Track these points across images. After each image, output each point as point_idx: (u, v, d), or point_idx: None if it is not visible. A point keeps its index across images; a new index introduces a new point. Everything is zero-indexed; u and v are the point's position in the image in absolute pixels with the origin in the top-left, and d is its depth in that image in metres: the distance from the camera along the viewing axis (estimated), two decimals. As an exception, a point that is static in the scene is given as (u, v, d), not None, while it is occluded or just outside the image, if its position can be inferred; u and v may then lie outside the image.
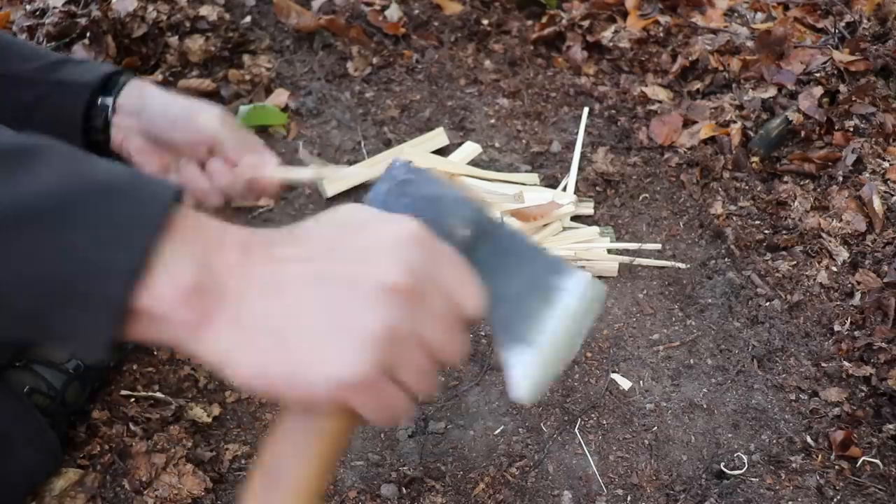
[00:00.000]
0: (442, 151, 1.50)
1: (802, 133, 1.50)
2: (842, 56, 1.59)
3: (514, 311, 0.48)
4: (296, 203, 1.39)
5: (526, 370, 0.47)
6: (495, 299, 0.47)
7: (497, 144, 1.54)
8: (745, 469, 1.05)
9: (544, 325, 0.47)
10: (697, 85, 1.65)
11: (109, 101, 0.81)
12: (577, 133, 1.54)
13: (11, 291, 0.40)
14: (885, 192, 1.39)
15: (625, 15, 1.77)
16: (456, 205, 0.49)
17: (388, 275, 0.43)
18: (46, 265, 0.40)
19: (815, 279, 1.29)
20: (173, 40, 1.55)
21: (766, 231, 1.38)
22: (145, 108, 0.82)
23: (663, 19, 1.73)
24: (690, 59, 1.66)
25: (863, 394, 1.14)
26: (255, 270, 0.43)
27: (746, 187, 1.46)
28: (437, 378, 0.47)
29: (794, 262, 1.32)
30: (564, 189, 1.42)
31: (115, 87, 0.84)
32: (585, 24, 1.75)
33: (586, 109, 1.60)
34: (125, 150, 0.80)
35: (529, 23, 1.83)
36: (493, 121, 1.59)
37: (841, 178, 1.42)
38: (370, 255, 0.44)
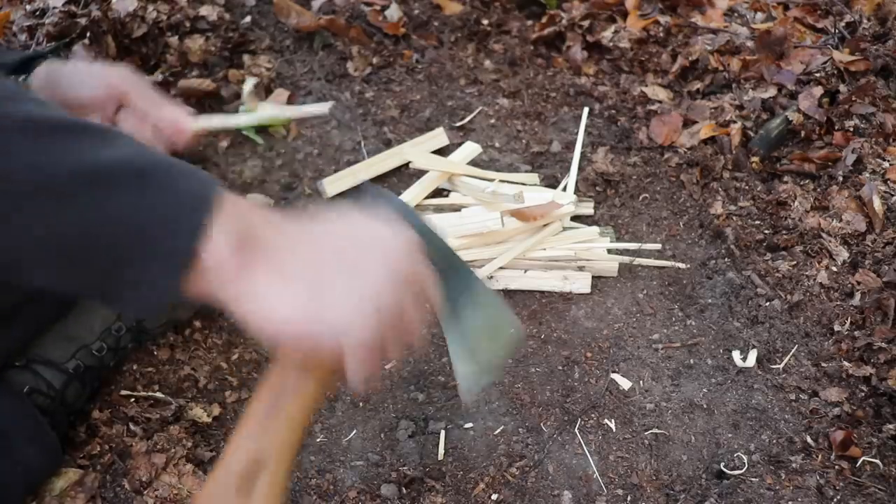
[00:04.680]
0: (442, 151, 1.50)
1: (802, 133, 1.50)
2: (842, 56, 1.59)
3: (468, 340, 0.65)
4: (296, 203, 1.39)
5: (469, 384, 0.65)
6: (448, 323, 0.65)
7: (497, 144, 1.54)
8: (745, 469, 1.05)
9: (485, 354, 0.66)
10: (697, 85, 1.65)
11: (21, 79, 0.87)
12: (577, 133, 1.54)
13: (98, 239, 0.50)
14: (885, 192, 1.39)
15: (625, 15, 1.77)
16: (437, 236, 0.65)
17: (401, 262, 0.56)
18: (130, 218, 0.50)
19: (815, 279, 1.29)
20: (173, 40, 1.55)
21: (766, 231, 1.38)
22: (58, 79, 0.88)
23: (663, 19, 1.73)
24: (690, 59, 1.66)
25: (863, 394, 1.14)
26: (290, 235, 0.56)
27: (746, 187, 1.46)
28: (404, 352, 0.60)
29: (794, 262, 1.32)
30: (564, 189, 1.42)
31: (33, 69, 0.88)
32: (585, 24, 1.75)
33: (586, 109, 1.60)
34: None
35: (529, 23, 1.83)
36: (493, 121, 1.59)
37: (841, 178, 1.42)
38: (389, 249, 0.57)
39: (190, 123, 0.89)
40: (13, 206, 0.48)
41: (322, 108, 0.92)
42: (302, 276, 0.54)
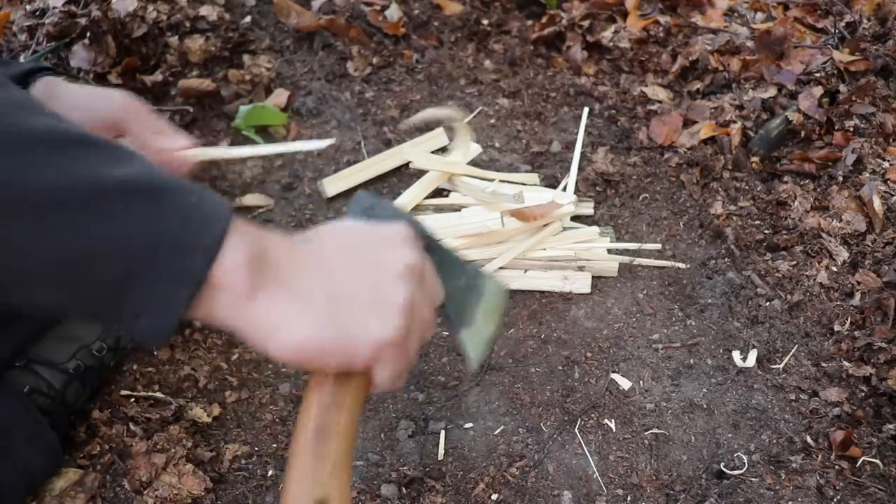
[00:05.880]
0: (442, 151, 1.50)
1: (802, 133, 1.50)
2: (842, 56, 1.59)
3: (458, 304, 0.68)
4: (296, 203, 1.39)
5: (473, 345, 0.69)
6: (450, 307, 0.68)
7: (497, 144, 1.54)
8: (745, 469, 1.05)
9: (476, 314, 0.69)
10: (697, 85, 1.65)
11: None
12: (577, 133, 1.54)
13: (103, 256, 0.48)
14: (885, 192, 1.39)
15: (625, 15, 1.77)
16: (412, 223, 0.65)
17: (406, 258, 0.57)
18: (140, 235, 0.48)
19: (815, 279, 1.29)
20: (173, 40, 1.55)
21: (766, 231, 1.38)
22: (53, 98, 0.86)
23: (663, 19, 1.73)
24: (690, 59, 1.66)
25: (863, 394, 1.14)
26: (300, 255, 0.55)
27: (746, 187, 1.46)
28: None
29: (794, 262, 1.32)
30: (564, 189, 1.42)
31: (31, 84, 0.87)
32: (585, 24, 1.75)
33: (586, 109, 1.60)
34: None
35: (529, 23, 1.83)
36: (493, 121, 1.59)
37: (841, 178, 1.42)
38: (386, 246, 0.58)
39: (191, 153, 0.89)
40: (24, 221, 0.46)
41: (321, 144, 0.94)
42: (317, 293, 0.53)
